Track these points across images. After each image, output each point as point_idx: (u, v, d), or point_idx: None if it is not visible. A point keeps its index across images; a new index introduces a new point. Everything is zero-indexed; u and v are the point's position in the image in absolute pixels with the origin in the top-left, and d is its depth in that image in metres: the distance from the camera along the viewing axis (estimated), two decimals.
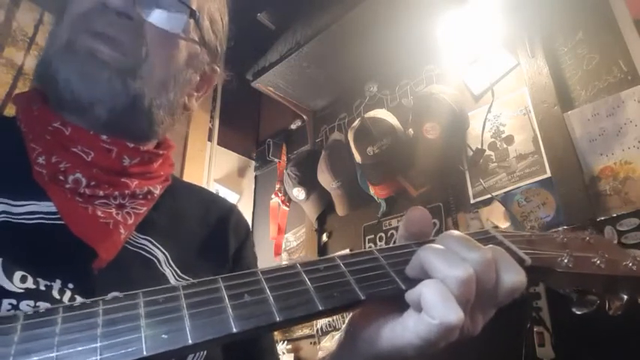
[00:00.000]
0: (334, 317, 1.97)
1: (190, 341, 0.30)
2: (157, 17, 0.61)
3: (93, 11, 0.58)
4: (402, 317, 0.38)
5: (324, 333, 2.00)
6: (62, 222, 0.54)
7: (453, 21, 1.81)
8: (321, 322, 2.01)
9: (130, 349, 0.29)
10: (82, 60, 0.57)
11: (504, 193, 1.66)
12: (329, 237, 2.20)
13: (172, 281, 0.60)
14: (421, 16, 1.87)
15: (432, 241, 0.41)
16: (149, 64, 0.61)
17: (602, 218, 1.39)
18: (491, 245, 0.41)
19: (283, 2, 2.22)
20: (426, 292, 0.36)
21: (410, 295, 0.38)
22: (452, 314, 0.34)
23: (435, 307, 0.35)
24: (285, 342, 2.10)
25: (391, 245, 0.43)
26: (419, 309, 0.36)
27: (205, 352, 0.59)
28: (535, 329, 1.31)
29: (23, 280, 0.48)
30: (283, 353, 2.05)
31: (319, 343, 2.00)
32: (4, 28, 1.90)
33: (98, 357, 0.29)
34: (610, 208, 1.40)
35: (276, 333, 2.07)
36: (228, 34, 0.76)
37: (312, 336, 2.05)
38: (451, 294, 0.35)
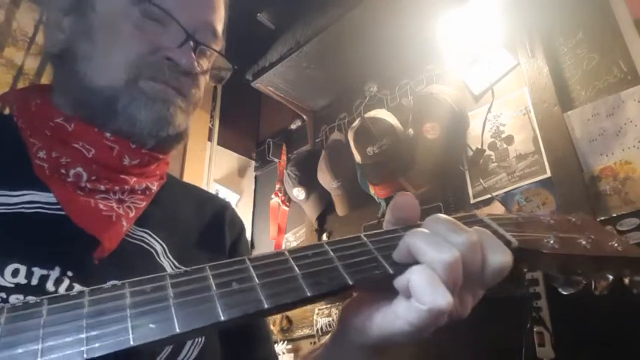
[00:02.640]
0: (334, 317, 1.97)
1: (178, 330, 0.30)
2: (207, 69, 0.69)
3: (159, 63, 0.61)
4: (392, 304, 0.38)
5: (324, 333, 1.99)
6: (62, 212, 0.54)
7: (453, 21, 1.81)
8: (321, 322, 2.01)
9: (116, 339, 0.29)
10: (160, 105, 0.60)
11: (504, 193, 1.65)
12: (329, 237, 2.19)
13: None
14: (421, 16, 1.86)
15: (419, 226, 0.41)
16: (197, 104, 0.68)
17: (602, 218, 1.38)
18: (476, 227, 0.41)
19: (283, 2, 2.22)
20: (414, 278, 0.36)
21: (398, 282, 0.38)
22: (441, 299, 0.35)
23: (423, 293, 0.35)
24: (285, 342, 2.10)
25: (379, 230, 0.43)
26: (408, 295, 0.37)
27: (203, 339, 0.59)
28: (535, 329, 1.30)
29: (15, 274, 0.48)
30: (283, 353, 2.05)
31: (319, 343, 1.99)
32: (4, 28, 1.90)
33: (84, 348, 0.28)
34: (610, 208, 1.39)
35: (276, 333, 2.07)
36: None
37: (312, 336, 2.04)
38: (439, 278, 0.36)
